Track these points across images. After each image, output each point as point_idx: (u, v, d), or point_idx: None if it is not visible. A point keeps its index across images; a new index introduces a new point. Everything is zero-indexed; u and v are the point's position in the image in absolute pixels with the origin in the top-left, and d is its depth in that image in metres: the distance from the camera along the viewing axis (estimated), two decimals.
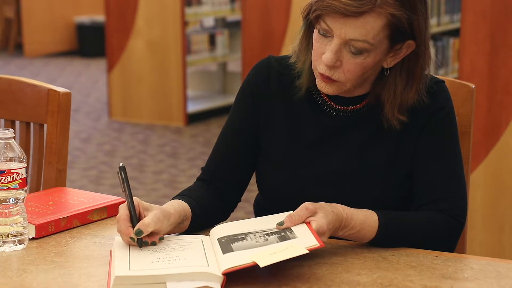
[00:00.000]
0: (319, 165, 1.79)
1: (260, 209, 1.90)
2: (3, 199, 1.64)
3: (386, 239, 1.68)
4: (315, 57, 1.73)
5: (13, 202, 1.65)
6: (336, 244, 1.69)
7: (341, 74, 1.71)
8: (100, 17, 9.47)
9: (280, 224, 1.62)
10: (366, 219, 1.68)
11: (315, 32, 1.73)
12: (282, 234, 1.59)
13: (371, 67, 1.72)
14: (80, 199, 1.88)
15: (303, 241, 1.55)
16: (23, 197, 1.66)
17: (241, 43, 5.97)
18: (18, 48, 9.86)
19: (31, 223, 1.71)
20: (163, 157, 5.58)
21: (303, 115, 1.82)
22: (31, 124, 2.11)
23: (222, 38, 6.94)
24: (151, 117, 6.52)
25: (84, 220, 1.81)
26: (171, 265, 1.51)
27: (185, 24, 6.43)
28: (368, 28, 1.66)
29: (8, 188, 1.64)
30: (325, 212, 1.62)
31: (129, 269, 1.50)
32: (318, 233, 1.58)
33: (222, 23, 7.28)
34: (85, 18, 9.80)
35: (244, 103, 1.86)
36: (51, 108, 2.05)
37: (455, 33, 6.03)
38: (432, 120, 1.76)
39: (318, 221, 1.60)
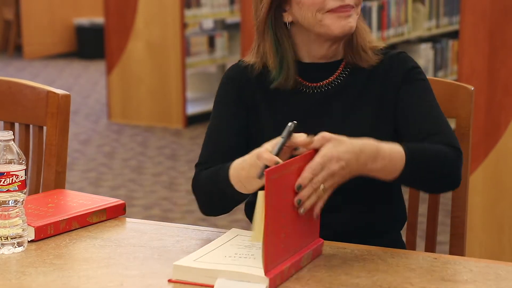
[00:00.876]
0: None
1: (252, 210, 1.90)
2: (2, 201, 1.64)
3: (414, 166, 1.68)
4: (318, 3, 1.77)
5: (12, 204, 1.65)
6: (335, 246, 1.69)
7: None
8: (99, 19, 9.48)
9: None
10: (392, 147, 1.68)
11: None
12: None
13: None
14: (79, 201, 1.88)
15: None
16: (22, 199, 1.66)
17: (240, 45, 5.98)
18: (18, 50, 9.86)
19: (30, 225, 1.71)
20: (162, 159, 5.58)
21: (283, 101, 1.85)
22: (31, 126, 2.11)
23: (221, 40, 6.95)
24: (150, 119, 6.52)
25: (84, 222, 1.81)
26: (232, 262, 1.52)
27: (184, 26, 6.43)
28: None
29: (8, 190, 1.64)
30: (337, 142, 1.60)
31: (194, 260, 1.52)
32: (324, 160, 1.57)
33: (222, 25, 7.29)
34: (84, 19, 9.80)
35: (229, 98, 1.88)
36: (51, 110, 2.05)
37: (454, 35, 6.03)
38: (407, 77, 1.82)
39: (324, 150, 1.58)
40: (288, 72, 1.83)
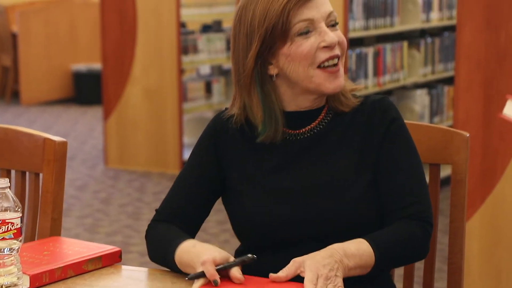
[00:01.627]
0: (289, 188, 1.83)
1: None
2: None
3: (384, 260, 1.72)
4: (310, 57, 1.79)
5: (7, 253, 1.64)
6: None
7: (339, 48, 1.82)
8: (97, 65, 9.53)
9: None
10: (359, 245, 1.71)
11: (294, 43, 1.79)
12: None
13: None
14: (75, 248, 1.87)
15: None
16: (17, 247, 1.65)
17: None
18: (15, 96, 9.89)
19: (25, 273, 1.70)
20: (158, 205, 5.56)
21: (267, 150, 1.86)
22: (27, 173, 2.11)
23: (218, 86, 6.98)
24: (147, 165, 6.52)
25: (79, 270, 1.80)
26: None
27: (181, 71, 6.46)
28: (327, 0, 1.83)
29: (3, 238, 1.63)
30: (311, 257, 1.65)
31: None
32: (312, 270, 1.62)
33: (218, 70, 7.33)
34: (81, 65, 9.85)
35: (204, 146, 1.92)
36: (47, 157, 2.05)
37: (449, 81, 6.07)
38: (390, 131, 1.84)
39: (306, 274, 1.63)
40: (277, 125, 1.84)
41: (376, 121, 1.84)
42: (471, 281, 3.53)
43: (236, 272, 1.66)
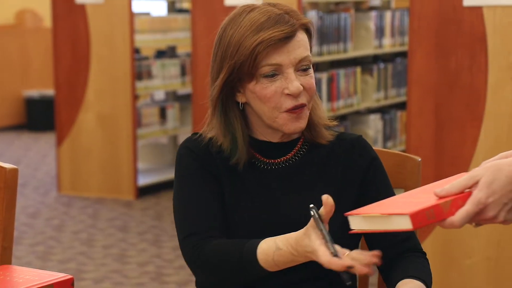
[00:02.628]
0: (262, 218, 1.81)
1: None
2: None
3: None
4: (274, 101, 1.78)
5: None
6: None
7: (306, 95, 1.81)
8: (49, 91, 9.45)
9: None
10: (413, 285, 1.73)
11: (258, 84, 1.78)
12: None
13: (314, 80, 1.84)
14: (26, 277, 1.84)
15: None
16: None
17: (191, 116, 6.00)
18: None
19: None
20: (113, 231, 5.52)
21: (242, 176, 1.85)
22: None
23: (172, 111, 6.97)
24: (101, 191, 6.47)
25: None
26: None
27: (135, 97, 6.44)
28: (304, 44, 1.80)
29: None
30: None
31: None
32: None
33: (173, 96, 7.32)
34: (34, 92, 9.76)
35: (194, 168, 1.85)
36: None
37: (402, 106, 6.14)
38: (374, 165, 1.87)
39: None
40: (240, 152, 1.83)
41: (356, 156, 1.86)
42: None
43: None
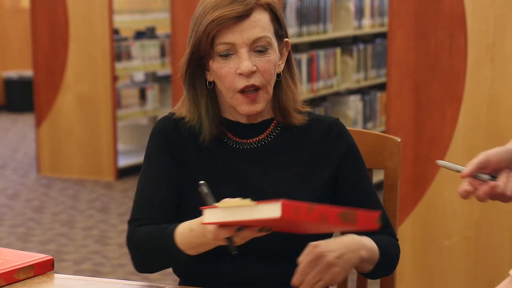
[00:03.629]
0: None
1: (184, 274, 1.89)
2: None
3: (383, 258, 1.76)
4: (229, 80, 1.79)
5: None
6: None
7: (260, 77, 1.79)
8: (28, 72, 9.39)
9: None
10: (368, 240, 1.74)
11: (215, 63, 1.79)
12: None
13: (276, 65, 1.82)
14: (5, 257, 1.84)
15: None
16: None
17: (171, 97, 5.98)
18: None
19: None
20: (93, 212, 5.51)
21: (215, 160, 1.86)
22: None
23: (152, 92, 6.95)
24: (81, 172, 6.45)
25: (10, 279, 1.77)
26: None
27: (115, 78, 6.42)
28: (261, 24, 1.79)
29: None
30: (327, 241, 1.65)
31: None
32: (315, 247, 1.62)
33: (153, 77, 7.30)
34: (12, 72, 9.69)
35: (159, 151, 1.87)
36: None
37: (382, 87, 6.16)
38: (351, 153, 1.87)
39: (319, 243, 1.64)
40: (205, 130, 1.84)
41: (333, 140, 1.86)
42: (404, 285, 3.58)
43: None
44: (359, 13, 6.03)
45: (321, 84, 5.68)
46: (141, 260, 1.82)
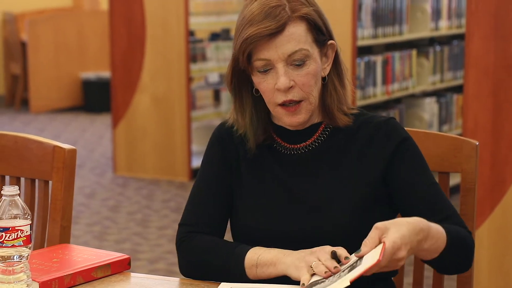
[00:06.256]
0: (291, 206, 1.82)
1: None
2: (7, 256, 1.64)
3: (452, 249, 1.70)
4: (269, 95, 1.80)
5: (17, 260, 1.64)
6: None
7: (299, 91, 1.79)
8: (105, 73, 9.55)
9: (357, 252, 1.60)
10: (437, 227, 1.68)
11: (255, 78, 1.80)
12: (353, 264, 1.58)
13: (317, 74, 1.80)
14: (84, 256, 1.88)
15: (362, 266, 1.53)
16: (27, 255, 1.66)
17: None
18: (24, 104, 9.92)
19: (34, 280, 1.70)
20: (167, 212, 5.57)
21: (263, 164, 1.86)
22: (36, 180, 2.12)
23: (226, 94, 6.99)
24: (155, 172, 6.53)
25: (88, 277, 1.80)
26: None
27: (190, 79, 6.48)
28: (296, 37, 1.76)
29: (13, 246, 1.63)
30: (397, 226, 1.59)
31: None
32: (394, 248, 1.55)
33: None
34: (91, 74, 9.88)
35: (214, 159, 1.91)
36: (56, 164, 2.06)
37: (458, 89, 6.07)
38: (400, 150, 1.82)
39: (390, 237, 1.56)
40: (252, 139, 1.85)
41: (382, 138, 1.83)
42: None
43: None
44: (436, 14, 5.94)
45: (396, 86, 5.62)
46: (190, 267, 1.86)
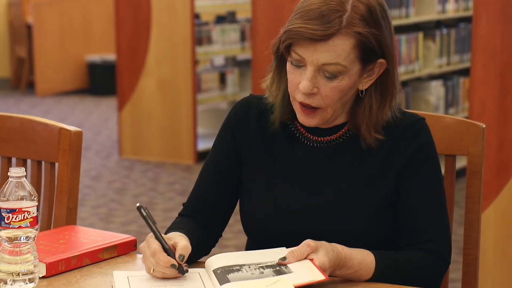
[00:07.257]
0: (300, 197, 1.81)
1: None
2: (14, 237, 1.64)
3: (380, 279, 1.70)
4: (292, 88, 1.77)
5: (24, 241, 1.65)
6: (331, 281, 1.68)
7: (320, 100, 1.74)
8: (111, 56, 9.55)
9: (283, 259, 1.63)
10: (363, 260, 1.69)
11: (288, 64, 1.77)
12: (277, 268, 1.62)
13: (347, 90, 1.74)
14: (90, 237, 1.88)
15: (300, 276, 1.58)
16: (34, 236, 1.66)
17: (251, 82, 6.00)
18: (30, 87, 9.93)
19: (41, 261, 1.71)
20: (173, 195, 5.58)
21: (281, 149, 1.84)
22: (43, 162, 2.12)
23: (232, 77, 6.98)
24: (161, 155, 6.53)
25: (95, 258, 1.81)
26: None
27: (195, 62, 6.47)
28: (338, 50, 1.70)
29: (19, 227, 1.64)
30: (326, 250, 1.64)
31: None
32: (322, 269, 1.60)
33: (232, 61, 7.33)
34: (96, 56, 9.87)
35: (224, 140, 1.90)
36: (63, 146, 2.06)
37: (465, 72, 6.05)
38: (416, 157, 1.78)
39: (321, 258, 1.62)
40: (278, 112, 1.82)
41: (406, 138, 1.78)
42: (486, 272, 3.52)
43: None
44: None
45: (402, 69, 5.61)
46: None
